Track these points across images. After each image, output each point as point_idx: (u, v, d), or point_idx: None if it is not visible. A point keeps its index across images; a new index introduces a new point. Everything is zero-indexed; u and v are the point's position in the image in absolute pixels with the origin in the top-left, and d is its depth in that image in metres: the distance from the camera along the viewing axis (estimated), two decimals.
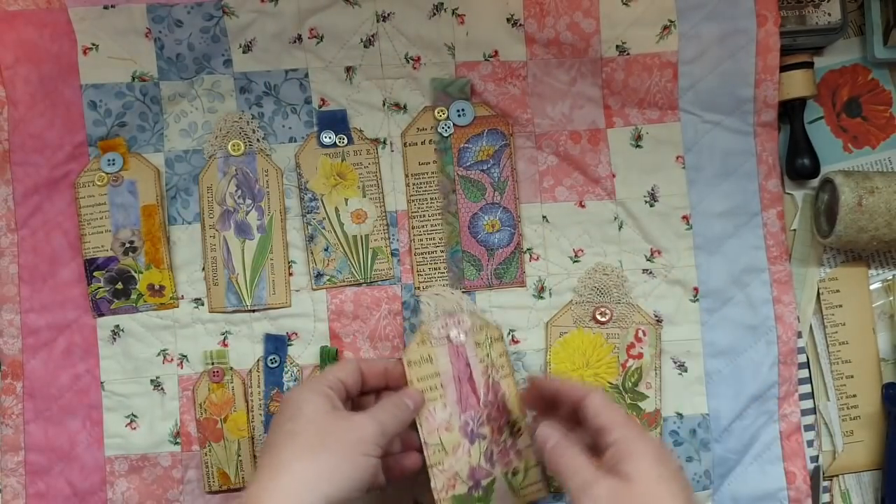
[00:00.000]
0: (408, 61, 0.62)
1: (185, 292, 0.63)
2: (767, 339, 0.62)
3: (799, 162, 0.63)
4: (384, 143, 0.63)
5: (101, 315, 0.63)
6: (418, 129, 0.63)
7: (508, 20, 0.62)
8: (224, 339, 0.63)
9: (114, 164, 0.62)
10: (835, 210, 0.60)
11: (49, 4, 0.61)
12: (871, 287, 0.64)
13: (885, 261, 0.65)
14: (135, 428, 0.62)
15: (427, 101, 0.63)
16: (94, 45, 0.62)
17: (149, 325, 0.63)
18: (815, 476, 0.62)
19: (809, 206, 0.64)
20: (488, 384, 0.56)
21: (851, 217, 0.59)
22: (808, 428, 0.63)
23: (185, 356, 0.63)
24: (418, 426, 0.53)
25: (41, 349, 0.62)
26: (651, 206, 0.63)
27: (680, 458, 0.61)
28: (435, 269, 0.62)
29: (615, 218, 0.63)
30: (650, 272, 0.62)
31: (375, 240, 0.63)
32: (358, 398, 0.54)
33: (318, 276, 0.62)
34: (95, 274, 0.62)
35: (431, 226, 0.63)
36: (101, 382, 0.62)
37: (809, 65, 0.63)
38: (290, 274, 0.63)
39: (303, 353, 0.62)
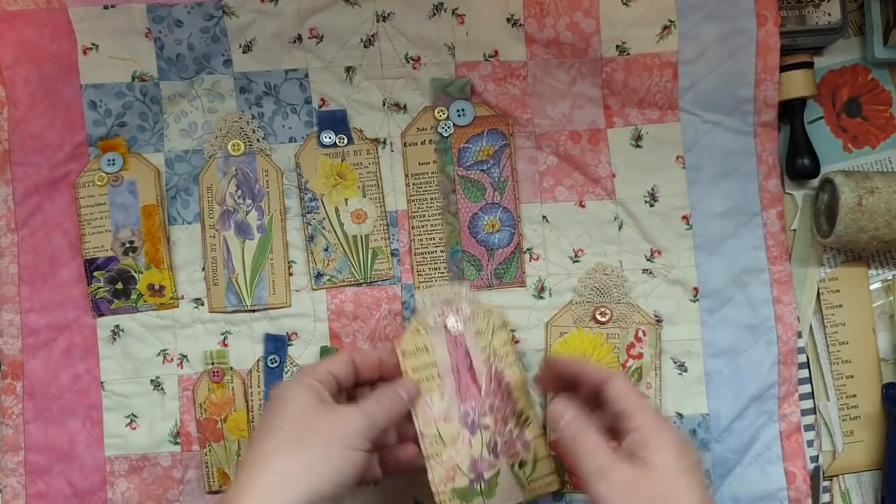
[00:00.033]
0: (408, 61, 0.62)
1: (185, 292, 0.63)
2: (767, 339, 0.62)
3: (799, 162, 0.63)
4: (384, 143, 0.63)
5: (101, 315, 0.63)
6: (418, 129, 0.63)
7: (508, 20, 0.62)
8: (224, 339, 0.63)
9: (114, 164, 0.62)
10: (835, 210, 0.60)
11: (49, 4, 0.61)
12: (871, 287, 0.64)
13: (885, 261, 0.65)
14: (135, 428, 0.62)
15: (427, 101, 0.63)
16: (94, 45, 0.62)
17: (149, 325, 0.63)
18: (815, 476, 0.62)
19: (809, 206, 0.64)
20: (491, 373, 0.54)
21: (851, 217, 0.59)
22: (808, 428, 0.63)
23: (185, 356, 0.63)
24: (414, 417, 0.52)
25: (41, 349, 0.62)
26: (651, 206, 0.63)
27: None
28: (435, 269, 0.62)
29: (615, 218, 0.63)
30: (650, 272, 0.62)
31: (375, 240, 0.63)
32: (354, 390, 0.53)
33: (318, 276, 0.62)
34: (95, 274, 0.62)
35: (431, 226, 0.63)
36: (101, 382, 0.62)
37: (809, 65, 0.63)
38: (290, 274, 0.63)
39: (303, 354, 0.62)
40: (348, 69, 0.62)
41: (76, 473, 0.62)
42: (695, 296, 0.62)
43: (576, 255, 0.63)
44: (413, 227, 0.63)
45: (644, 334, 0.61)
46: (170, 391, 0.62)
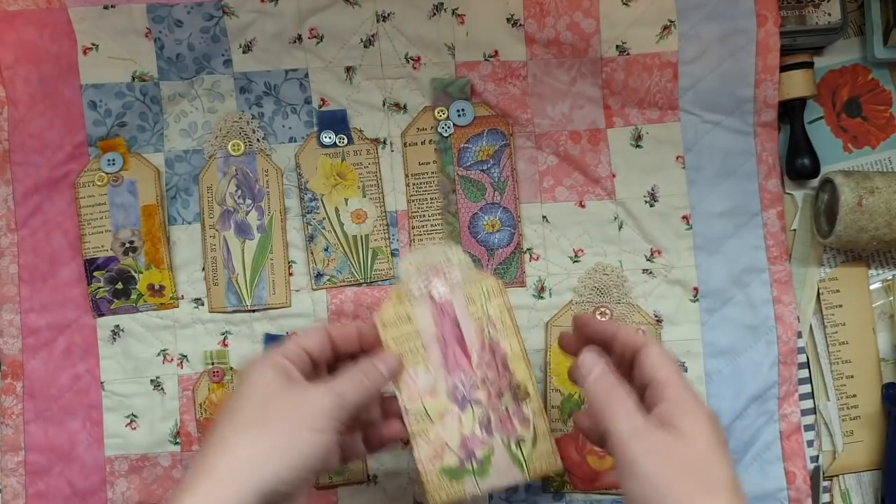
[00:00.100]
0: (408, 61, 0.62)
1: (185, 292, 0.63)
2: (767, 339, 0.62)
3: (799, 162, 0.63)
4: (384, 143, 0.63)
5: (101, 315, 0.63)
6: (418, 129, 0.63)
7: (508, 20, 0.62)
8: (224, 339, 0.63)
9: (114, 164, 0.62)
10: (835, 210, 0.60)
11: (49, 4, 0.61)
12: (871, 287, 0.64)
13: (885, 261, 0.65)
14: (135, 428, 0.62)
15: (427, 101, 0.63)
16: (94, 45, 0.62)
17: (149, 325, 0.63)
18: (815, 476, 0.62)
19: (809, 206, 0.64)
20: (483, 343, 0.50)
21: (851, 217, 0.59)
22: (808, 428, 0.63)
23: (185, 356, 0.63)
24: (397, 393, 0.49)
25: (41, 349, 0.62)
26: (651, 206, 0.63)
27: None
28: None
29: (615, 218, 0.63)
30: (650, 272, 0.62)
31: (375, 240, 0.63)
32: (337, 366, 0.49)
33: (318, 276, 0.62)
34: (95, 274, 0.62)
35: (431, 226, 0.63)
36: (101, 382, 0.62)
37: (809, 65, 0.63)
38: (290, 274, 0.63)
39: None
40: (348, 69, 0.63)
41: (76, 473, 0.62)
42: (695, 296, 0.62)
43: (576, 255, 0.63)
44: (413, 227, 0.63)
45: (644, 334, 0.61)
46: (170, 391, 0.62)
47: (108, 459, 0.62)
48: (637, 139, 0.63)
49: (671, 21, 0.61)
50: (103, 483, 0.62)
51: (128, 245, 0.62)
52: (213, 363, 0.62)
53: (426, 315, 0.50)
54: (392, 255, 0.62)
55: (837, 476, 0.64)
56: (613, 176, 0.63)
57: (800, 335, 0.63)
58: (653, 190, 0.62)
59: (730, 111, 0.62)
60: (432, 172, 0.63)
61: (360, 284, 0.62)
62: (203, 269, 0.63)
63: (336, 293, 0.62)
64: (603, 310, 0.62)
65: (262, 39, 0.62)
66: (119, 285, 0.62)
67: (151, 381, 0.62)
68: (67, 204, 0.63)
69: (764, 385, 0.61)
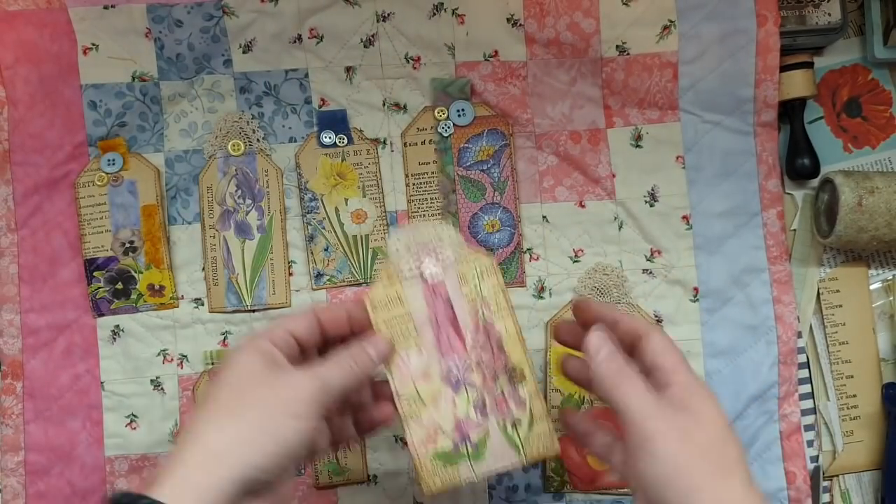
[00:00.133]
0: (408, 61, 0.62)
1: (185, 292, 0.63)
2: (767, 339, 0.62)
3: (799, 162, 0.63)
4: (384, 143, 0.63)
5: (101, 315, 0.63)
6: (418, 129, 0.63)
7: (508, 20, 0.62)
8: (224, 339, 0.63)
9: (114, 164, 0.62)
10: (835, 210, 0.60)
11: (49, 4, 0.61)
12: (871, 287, 0.64)
13: (885, 261, 0.65)
14: (135, 428, 0.62)
15: (427, 101, 0.63)
16: (94, 45, 0.62)
17: (149, 325, 0.63)
18: (815, 476, 0.62)
19: (809, 206, 0.64)
20: (478, 324, 0.48)
21: (851, 217, 0.59)
22: (808, 428, 0.63)
23: (185, 356, 0.63)
24: (388, 376, 0.47)
25: (41, 349, 0.62)
26: (651, 206, 0.63)
27: None
28: None
29: (615, 218, 0.63)
30: (650, 272, 0.62)
31: (375, 240, 0.63)
32: (327, 350, 0.47)
33: (318, 276, 0.62)
34: (95, 274, 0.62)
35: None
36: (101, 382, 0.62)
37: (809, 65, 0.63)
38: (290, 274, 0.63)
39: None
40: (348, 69, 0.63)
41: (76, 473, 0.62)
42: (695, 296, 0.62)
43: (576, 255, 0.63)
44: None
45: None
46: (170, 391, 0.62)
47: (108, 459, 0.62)
48: (637, 139, 0.63)
49: (671, 21, 0.61)
50: (103, 483, 0.62)
51: (128, 245, 0.62)
52: (213, 363, 0.62)
53: (418, 296, 0.48)
54: None
55: (837, 476, 0.64)
56: (613, 176, 0.63)
57: (800, 335, 0.63)
58: (653, 190, 0.62)
59: (730, 111, 0.62)
60: (432, 172, 0.63)
61: (360, 284, 0.62)
62: (203, 269, 0.63)
63: (336, 293, 0.62)
64: None
65: (262, 39, 0.62)
66: (119, 285, 0.62)
67: (151, 381, 0.62)
68: (67, 204, 0.63)
69: (764, 385, 0.61)
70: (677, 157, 0.62)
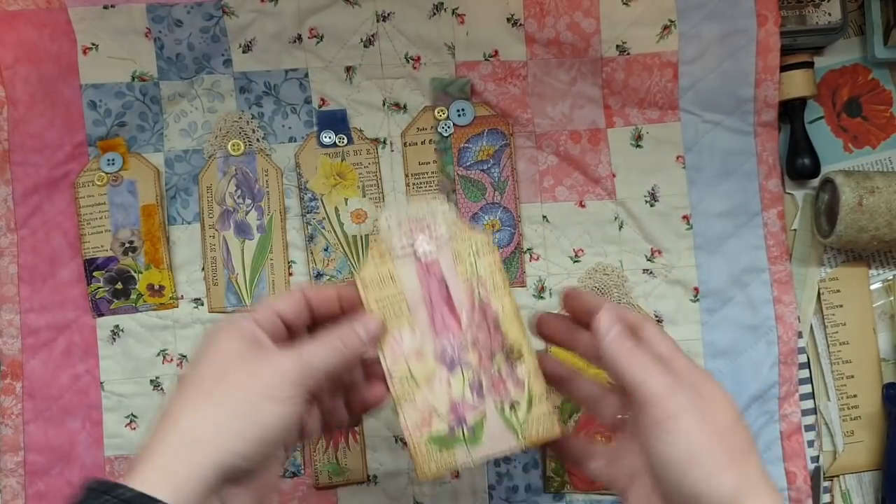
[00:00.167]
0: (408, 61, 0.62)
1: (184, 292, 0.63)
2: (768, 339, 0.62)
3: (799, 162, 0.63)
4: (384, 142, 0.63)
5: (101, 315, 0.63)
6: (418, 128, 0.63)
7: (508, 20, 0.61)
8: None
9: (113, 163, 0.62)
10: (835, 210, 0.60)
11: (49, 4, 0.61)
12: (872, 287, 0.64)
13: (885, 261, 0.65)
14: (134, 428, 0.62)
15: (427, 100, 0.63)
16: (93, 44, 0.62)
17: (148, 325, 0.63)
18: (815, 476, 0.62)
19: (810, 206, 0.64)
20: (473, 302, 0.46)
21: (852, 217, 0.59)
22: (809, 428, 0.63)
23: (185, 356, 0.62)
24: (380, 356, 0.45)
25: (41, 349, 0.62)
26: (651, 206, 0.62)
27: None
28: None
29: (615, 218, 0.63)
30: (650, 272, 0.62)
31: (375, 240, 0.62)
32: (316, 329, 0.45)
33: (318, 275, 0.62)
34: (95, 274, 0.62)
35: None
36: (101, 382, 0.62)
37: (809, 65, 0.63)
38: (290, 274, 0.63)
39: None
40: (348, 69, 0.62)
41: (76, 473, 0.62)
42: (695, 296, 0.62)
43: (576, 255, 0.63)
44: None
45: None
46: (169, 391, 0.62)
47: (108, 459, 0.62)
48: (637, 139, 0.63)
49: (671, 21, 0.61)
50: None
51: (127, 245, 0.62)
52: None
53: (411, 274, 0.46)
54: None
55: (838, 476, 0.63)
56: (613, 176, 0.63)
57: (800, 335, 0.63)
58: (653, 190, 0.62)
59: (730, 111, 0.62)
60: (432, 172, 0.63)
61: None
62: (203, 269, 0.63)
63: None
64: None
65: (261, 39, 0.62)
66: (119, 285, 0.62)
67: (151, 381, 0.62)
68: (67, 204, 0.63)
69: (764, 385, 0.61)
70: (677, 157, 0.62)
